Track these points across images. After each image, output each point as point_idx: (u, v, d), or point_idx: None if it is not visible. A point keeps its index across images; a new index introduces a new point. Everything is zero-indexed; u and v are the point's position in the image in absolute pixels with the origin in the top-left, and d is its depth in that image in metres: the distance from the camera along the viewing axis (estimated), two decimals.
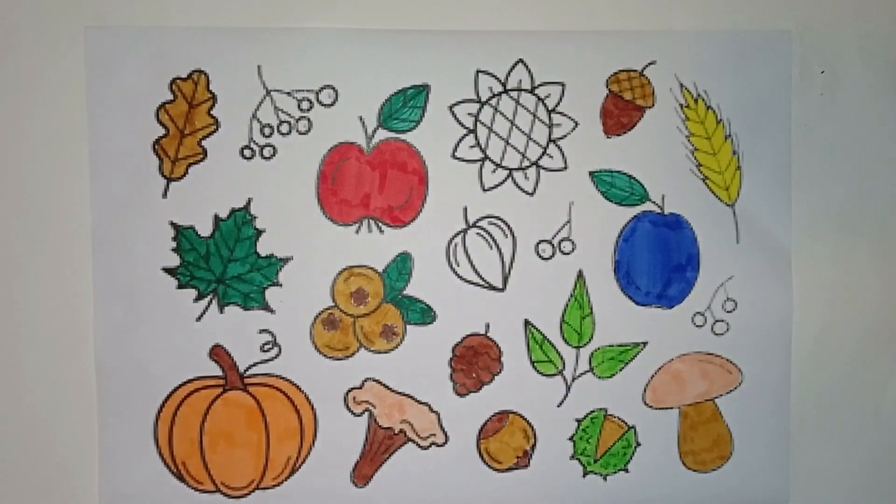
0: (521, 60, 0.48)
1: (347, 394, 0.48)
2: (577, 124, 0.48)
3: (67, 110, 0.45)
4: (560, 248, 0.48)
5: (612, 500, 0.50)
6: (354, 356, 0.48)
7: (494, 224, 0.48)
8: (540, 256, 0.48)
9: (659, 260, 0.49)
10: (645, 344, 0.50)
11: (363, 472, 0.48)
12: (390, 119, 0.47)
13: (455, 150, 0.48)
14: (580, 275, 0.49)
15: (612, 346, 0.49)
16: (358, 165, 0.47)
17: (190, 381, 0.47)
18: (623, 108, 0.48)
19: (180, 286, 0.46)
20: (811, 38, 0.49)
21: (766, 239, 0.50)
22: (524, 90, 0.48)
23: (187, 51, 0.46)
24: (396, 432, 0.48)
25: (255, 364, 0.47)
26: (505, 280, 0.48)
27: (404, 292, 0.48)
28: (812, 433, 0.51)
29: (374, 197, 0.47)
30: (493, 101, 0.48)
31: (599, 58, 0.48)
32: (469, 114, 0.48)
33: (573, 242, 0.48)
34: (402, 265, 0.48)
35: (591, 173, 0.48)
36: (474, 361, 0.48)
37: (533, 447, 0.49)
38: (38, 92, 0.45)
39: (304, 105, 0.47)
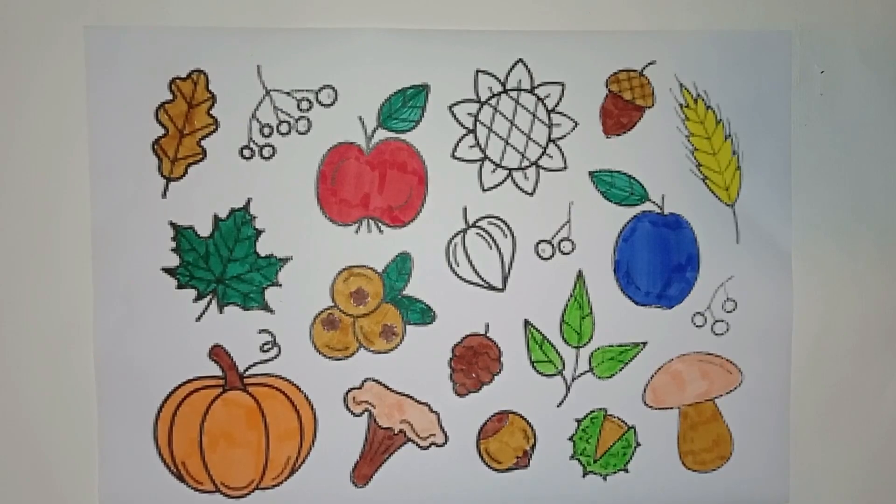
0: (520, 60, 0.48)
1: (347, 394, 0.48)
2: (576, 124, 0.48)
3: (67, 110, 0.45)
4: (560, 248, 0.48)
5: (612, 500, 0.50)
6: (354, 356, 0.48)
7: (494, 224, 0.48)
8: (540, 256, 0.48)
9: (659, 260, 0.49)
10: (645, 344, 0.49)
11: (363, 472, 0.48)
12: (390, 119, 0.47)
13: (455, 150, 0.48)
14: (580, 275, 0.49)
15: (612, 346, 0.49)
16: (357, 165, 0.47)
17: (189, 381, 0.47)
18: (623, 108, 0.48)
19: (180, 286, 0.46)
20: (811, 38, 0.49)
21: (766, 239, 0.50)
22: (524, 90, 0.48)
23: (187, 50, 0.46)
24: (396, 432, 0.48)
25: (254, 364, 0.47)
26: (505, 280, 0.48)
27: (404, 292, 0.48)
28: (812, 433, 0.51)
29: (374, 197, 0.47)
30: (493, 101, 0.48)
31: (599, 58, 0.48)
32: (469, 114, 0.48)
33: (573, 242, 0.48)
34: (401, 265, 0.48)
35: (590, 173, 0.48)
36: (474, 361, 0.48)
37: (533, 447, 0.49)
38: (38, 91, 0.45)
39: (304, 105, 0.47)
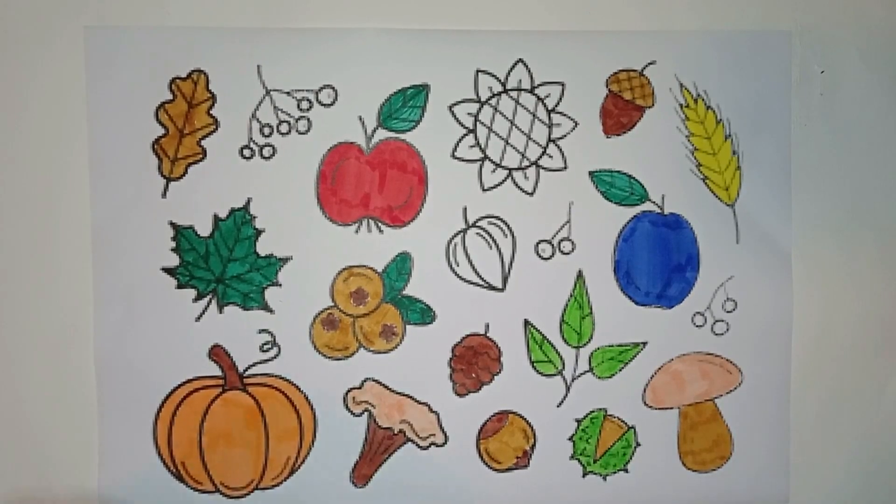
0: (520, 60, 0.48)
1: (347, 394, 0.48)
2: (576, 124, 0.48)
3: (67, 110, 0.45)
4: (560, 248, 0.48)
5: (611, 500, 0.50)
6: (354, 356, 0.48)
7: (494, 224, 0.48)
8: (540, 256, 0.48)
9: (659, 260, 0.49)
10: (645, 344, 0.49)
11: (363, 472, 0.48)
12: (390, 119, 0.47)
13: (455, 150, 0.48)
14: (580, 275, 0.49)
15: (612, 346, 0.49)
16: (357, 165, 0.47)
17: (189, 380, 0.47)
18: (623, 108, 0.48)
19: (180, 286, 0.46)
20: (811, 38, 0.49)
21: (766, 239, 0.50)
22: (524, 90, 0.48)
23: (187, 50, 0.46)
24: (396, 432, 0.48)
25: (254, 364, 0.47)
26: (504, 280, 0.48)
27: (404, 292, 0.48)
28: (812, 433, 0.51)
29: (374, 197, 0.47)
30: (493, 101, 0.48)
31: (599, 58, 0.48)
32: (469, 114, 0.48)
33: (573, 242, 0.48)
34: (401, 265, 0.48)
35: (590, 173, 0.48)
36: (474, 361, 0.48)
37: (532, 447, 0.49)
38: (38, 91, 0.45)
39: (304, 105, 0.47)
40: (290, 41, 0.46)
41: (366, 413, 0.48)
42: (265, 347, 0.47)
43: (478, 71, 0.47)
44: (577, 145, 0.48)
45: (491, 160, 0.48)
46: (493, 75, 0.47)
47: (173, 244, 0.46)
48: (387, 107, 0.47)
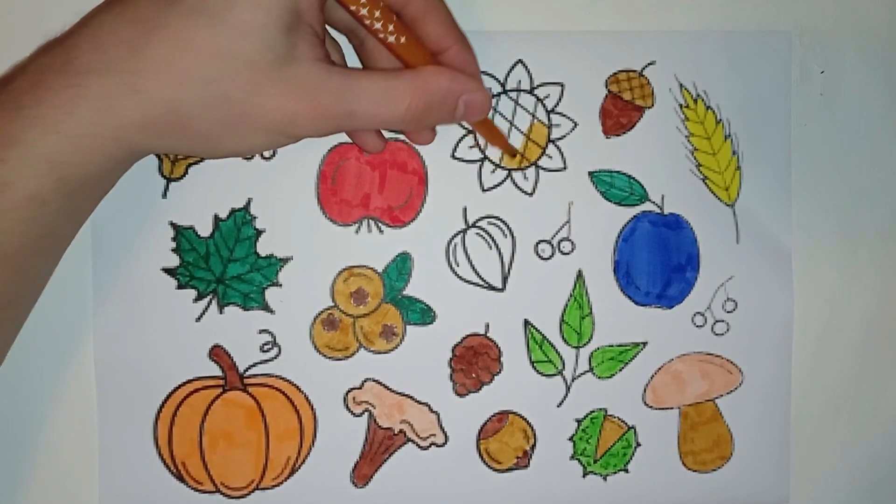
0: (520, 61, 0.48)
1: (347, 394, 0.48)
2: (576, 125, 0.48)
3: None
4: (559, 249, 0.48)
5: (612, 500, 0.50)
6: (354, 356, 0.48)
7: (494, 224, 0.48)
8: (539, 256, 0.48)
9: (659, 260, 0.49)
10: (645, 344, 0.49)
11: (363, 473, 0.48)
12: None
13: (454, 150, 0.48)
14: (580, 275, 0.49)
15: (612, 346, 0.49)
16: (358, 165, 0.47)
17: (189, 381, 0.47)
18: (622, 109, 0.48)
19: (180, 286, 0.46)
20: (811, 38, 0.49)
21: (766, 239, 0.50)
22: (523, 91, 0.48)
23: None
24: (396, 432, 0.48)
25: (254, 364, 0.47)
26: (504, 280, 0.48)
27: (404, 292, 0.48)
28: (812, 433, 0.51)
29: (374, 197, 0.47)
30: (493, 102, 0.48)
31: (599, 58, 0.48)
32: None
33: (572, 242, 0.48)
34: (401, 265, 0.48)
35: (590, 173, 0.48)
36: (474, 361, 0.48)
37: (533, 447, 0.49)
38: None
39: None
40: None
41: (366, 413, 0.48)
42: (265, 348, 0.47)
43: None
44: (576, 145, 0.48)
45: (490, 160, 0.48)
46: (493, 76, 0.47)
47: (173, 244, 0.46)
48: None
